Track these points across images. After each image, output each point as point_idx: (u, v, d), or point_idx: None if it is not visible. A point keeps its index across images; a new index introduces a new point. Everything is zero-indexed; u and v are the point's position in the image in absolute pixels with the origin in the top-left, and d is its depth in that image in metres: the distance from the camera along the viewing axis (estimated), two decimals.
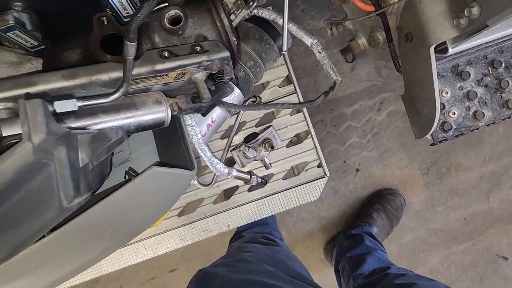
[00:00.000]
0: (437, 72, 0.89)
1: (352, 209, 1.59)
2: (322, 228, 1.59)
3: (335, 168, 1.60)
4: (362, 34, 0.96)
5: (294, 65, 1.49)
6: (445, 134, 0.91)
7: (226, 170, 0.72)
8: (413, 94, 0.86)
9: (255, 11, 0.69)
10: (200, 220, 0.81)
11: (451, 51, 0.70)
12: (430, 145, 0.93)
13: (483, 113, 0.91)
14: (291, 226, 1.58)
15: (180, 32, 0.54)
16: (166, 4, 0.54)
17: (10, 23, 0.48)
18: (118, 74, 0.45)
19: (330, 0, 0.90)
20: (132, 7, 0.56)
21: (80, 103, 0.43)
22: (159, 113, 0.53)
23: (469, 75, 0.90)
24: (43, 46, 0.55)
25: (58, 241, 0.47)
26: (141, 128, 0.52)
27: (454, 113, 0.90)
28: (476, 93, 0.90)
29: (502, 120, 0.92)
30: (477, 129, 0.92)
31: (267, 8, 0.72)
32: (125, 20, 0.60)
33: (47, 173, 0.31)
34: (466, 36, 0.66)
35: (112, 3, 0.53)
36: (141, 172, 0.48)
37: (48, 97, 0.36)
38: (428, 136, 0.92)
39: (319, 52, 0.66)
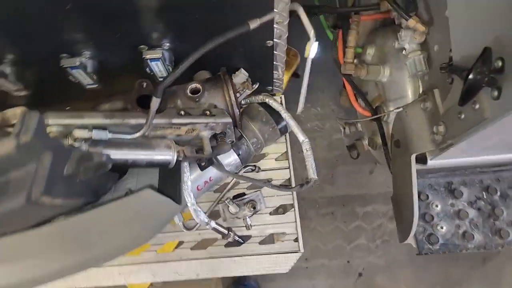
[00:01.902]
0: (430, 184, 0.96)
1: None
2: None
3: (337, 265, 1.58)
4: (366, 136, 1.08)
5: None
6: (431, 247, 0.94)
7: (206, 220, 0.83)
8: (398, 197, 0.93)
9: (266, 100, 0.86)
10: (175, 262, 0.89)
11: (430, 163, 0.79)
12: (417, 254, 0.95)
13: (473, 235, 0.93)
14: None
15: (197, 100, 0.72)
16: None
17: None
18: (142, 121, 0.61)
19: (341, 102, 1.06)
20: (166, 71, 0.75)
21: (111, 135, 0.59)
22: (167, 155, 0.68)
23: (462, 195, 0.95)
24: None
25: (43, 237, 0.59)
26: (151, 164, 0.67)
27: (442, 227, 0.94)
28: (467, 213, 0.94)
29: (494, 248, 0.93)
30: (466, 250, 0.93)
31: (277, 100, 0.88)
32: (159, 80, 0.79)
33: (28, 169, 0.43)
34: (440, 151, 0.75)
35: (152, 67, 0.73)
36: (137, 190, 0.61)
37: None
38: (414, 244, 0.94)
39: (306, 150, 0.80)
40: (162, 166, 0.66)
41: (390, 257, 1.58)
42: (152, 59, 0.71)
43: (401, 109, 0.83)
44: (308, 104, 1.73)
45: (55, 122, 0.57)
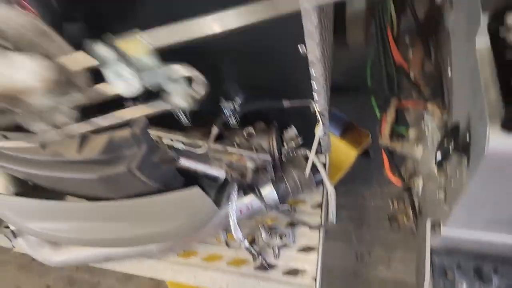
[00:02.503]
0: (459, 264, 1.00)
1: None
2: None
3: None
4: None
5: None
6: None
7: (241, 237, 1.06)
8: (419, 266, 0.99)
9: (308, 153, 1.10)
10: (213, 271, 1.12)
11: (443, 230, 0.88)
12: None
13: None
14: None
15: (250, 140, 1.01)
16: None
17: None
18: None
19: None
20: (235, 119, 1.07)
21: (182, 146, 0.92)
22: (218, 173, 0.97)
23: (492, 281, 0.96)
24: None
25: (125, 208, 0.92)
26: (206, 176, 0.97)
27: None
28: None
29: None
30: None
31: (319, 157, 1.11)
32: (231, 125, 1.12)
33: (133, 151, 0.76)
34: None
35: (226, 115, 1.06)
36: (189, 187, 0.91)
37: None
38: None
39: (330, 197, 0.99)
40: (213, 180, 0.95)
41: None
42: (226, 108, 1.05)
43: (422, 180, 0.96)
44: (375, 184, 1.85)
45: (154, 134, 0.92)
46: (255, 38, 0.79)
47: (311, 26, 0.69)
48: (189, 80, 0.45)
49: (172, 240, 1.02)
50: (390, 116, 1.08)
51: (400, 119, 1.18)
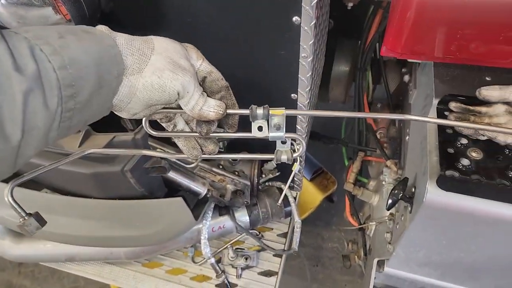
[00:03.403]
0: None
1: None
2: None
3: None
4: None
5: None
6: None
7: (209, 254, 1.18)
8: None
9: (282, 186, 1.27)
10: (175, 284, 1.22)
11: (386, 269, 1.06)
12: None
13: None
14: None
15: (233, 164, 1.17)
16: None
17: None
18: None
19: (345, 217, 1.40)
20: (223, 146, 1.23)
21: (174, 159, 1.06)
22: (200, 189, 1.11)
23: None
24: None
25: (107, 207, 1.03)
26: (189, 190, 1.10)
27: None
28: None
29: None
30: None
31: (292, 192, 1.28)
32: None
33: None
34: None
35: None
36: (172, 197, 1.04)
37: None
38: None
39: (297, 227, 1.16)
40: (195, 195, 1.08)
41: None
42: None
43: (375, 224, 1.15)
44: (334, 227, 2.04)
45: (151, 144, 1.06)
46: (255, 78, 0.97)
47: (305, 79, 0.88)
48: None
49: (145, 245, 1.12)
50: (356, 166, 1.29)
51: (363, 171, 1.40)
